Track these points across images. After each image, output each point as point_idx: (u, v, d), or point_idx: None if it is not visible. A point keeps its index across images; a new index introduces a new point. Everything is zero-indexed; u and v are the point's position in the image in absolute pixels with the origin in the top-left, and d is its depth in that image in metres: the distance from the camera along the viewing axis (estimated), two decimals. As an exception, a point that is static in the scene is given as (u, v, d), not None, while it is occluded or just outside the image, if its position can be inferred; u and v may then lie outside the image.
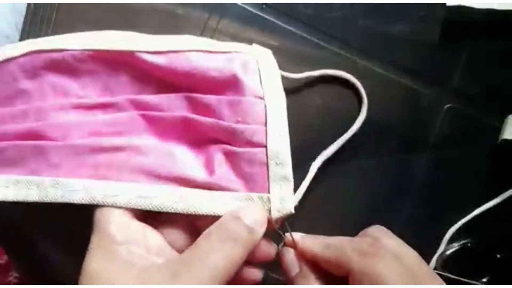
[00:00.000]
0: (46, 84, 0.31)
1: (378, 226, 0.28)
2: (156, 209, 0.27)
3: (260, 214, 0.27)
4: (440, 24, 0.36)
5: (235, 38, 0.35)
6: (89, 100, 0.30)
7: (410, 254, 0.26)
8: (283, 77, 0.31)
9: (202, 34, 0.35)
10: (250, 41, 0.33)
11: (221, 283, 0.23)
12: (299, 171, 0.30)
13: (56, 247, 0.33)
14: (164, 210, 0.27)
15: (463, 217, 0.35)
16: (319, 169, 0.33)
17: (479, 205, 0.35)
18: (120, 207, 0.27)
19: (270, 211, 0.27)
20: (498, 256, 0.35)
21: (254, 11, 0.35)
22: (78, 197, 0.27)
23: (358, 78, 0.35)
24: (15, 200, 0.28)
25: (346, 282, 0.25)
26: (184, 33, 0.31)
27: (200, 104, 0.29)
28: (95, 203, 0.27)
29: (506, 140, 0.35)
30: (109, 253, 0.24)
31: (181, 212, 0.27)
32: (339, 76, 0.34)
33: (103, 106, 0.30)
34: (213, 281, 0.23)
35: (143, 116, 0.30)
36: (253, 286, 0.28)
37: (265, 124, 0.29)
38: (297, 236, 0.28)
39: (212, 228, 0.25)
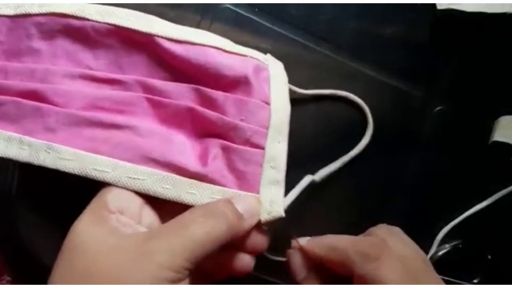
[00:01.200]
0: (59, 48, 0.31)
1: (387, 226, 0.28)
2: (143, 192, 0.27)
3: (254, 205, 0.27)
4: (431, 26, 0.37)
5: (227, 40, 0.35)
6: (98, 73, 0.30)
7: (414, 257, 0.26)
8: (290, 90, 0.32)
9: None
10: (241, 44, 0.33)
11: (194, 257, 0.23)
12: (294, 177, 0.31)
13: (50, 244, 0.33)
14: (152, 194, 0.27)
15: (454, 218, 0.35)
16: (312, 172, 0.33)
17: (470, 207, 0.35)
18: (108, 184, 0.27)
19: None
20: (489, 257, 0.36)
21: (245, 13, 0.35)
22: (70, 166, 0.28)
23: (348, 80, 0.35)
24: (4, 155, 0.28)
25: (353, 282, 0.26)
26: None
27: (207, 98, 0.30)
28: (85, 175, 0.27)
29: (496, 142, 0.35)
30: (99, 218, 0.24)
31: (169, 199, 0.27)
32: (347, 97, 0.35)
33: (111, 82, 0.30)
34: (184, 252, 0.22)
35: (148, 99, 0.30)
36: (257, 286, 0.28)
37: (267, 128, 0.29)
38: (303, 240, 0.28)
39: (201, 205, 0.25)
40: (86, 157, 0.28)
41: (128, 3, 0.34)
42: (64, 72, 0.30)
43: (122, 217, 0.25)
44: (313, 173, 0.33)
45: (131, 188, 0.27)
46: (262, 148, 0.29)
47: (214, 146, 0.29)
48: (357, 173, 0.35)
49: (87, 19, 0.30)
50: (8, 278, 0.36)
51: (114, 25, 0.30)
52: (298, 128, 0.33)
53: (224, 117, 0.29)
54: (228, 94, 0.30)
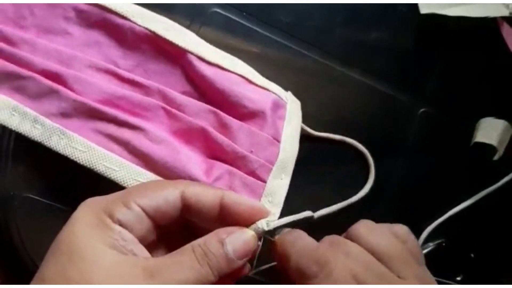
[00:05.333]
0: (93, 39, 0.31)
1: (363, 221, 0.29)
2: None
3: (246, 245, 0.25)
4: (415, 32, 0.38)
5: (216, 45, 0.35)
6: (123, 72, 0.31)
7: (388, 248, 0.27)
8: (302, 129, 0.33)
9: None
10: (231, 48, 0.33)
11: None
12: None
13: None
14: None
15: (438, 218, 0.36)
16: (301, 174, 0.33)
17: (453, 206, 0.36)
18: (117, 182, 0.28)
19: None
20: (472, 255, 0.37)
21: (235, 18, 0.36)
22: (81, 157, 0.28)
23: (336, 84, 0.36)
24: (17, 130, 0.29)
25: None
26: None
27: (223, 123, 0.31)
28: (92, 168, 0.28)
29: (478, 143, 0.36)
30: (101, 224, 0.23)
31: None
32: (354, 145, 0.35)
33: (133, 84, 0.31)
34: None
35: (165, 109, 0.30)
36: (256, 286, 0.29)
37: (273, 164, 0.30)
38: None
39: (196, 244, 0.25)
40: (97, 151, 0.29)
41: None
42: (89, 63, 0.30)
43: (125, 232, 0.24)
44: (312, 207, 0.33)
45: None
46: (264, 181, 0.30)
47: (220, 168, 0.30)
48: (342, 174, 0.36)
49: (128, 19, 0.31)
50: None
51: (153, 32, 0.31)
52: (306, 163, 0.33)
53: (235, 146, 0.30)
54: (243, 123, 0.31)
